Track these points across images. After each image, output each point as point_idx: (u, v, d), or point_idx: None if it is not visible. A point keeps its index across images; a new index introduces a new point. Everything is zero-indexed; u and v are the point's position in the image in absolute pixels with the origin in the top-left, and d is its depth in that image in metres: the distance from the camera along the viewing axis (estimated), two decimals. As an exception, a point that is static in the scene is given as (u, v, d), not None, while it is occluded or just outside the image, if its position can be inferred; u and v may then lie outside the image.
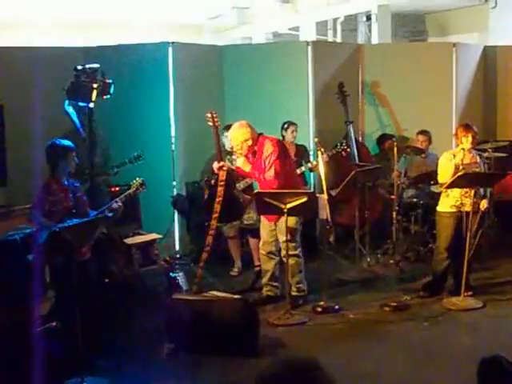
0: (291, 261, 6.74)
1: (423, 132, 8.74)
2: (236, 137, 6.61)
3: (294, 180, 6.96)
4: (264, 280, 7.00)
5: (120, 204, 5.76)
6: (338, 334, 6.21)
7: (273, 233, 6.86)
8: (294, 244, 6.75)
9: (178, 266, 7.76)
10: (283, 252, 6.73)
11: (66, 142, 5.70)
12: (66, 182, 5.62)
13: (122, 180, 7.39)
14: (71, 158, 5.63)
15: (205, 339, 5.70)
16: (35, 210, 5.54)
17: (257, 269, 7.48)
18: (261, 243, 6.99)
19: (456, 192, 6.76)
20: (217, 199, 6.84)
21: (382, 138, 9.17)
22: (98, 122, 6.43)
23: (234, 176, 7.20)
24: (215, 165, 6.91)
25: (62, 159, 5.58)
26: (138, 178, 5.99)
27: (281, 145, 6.78)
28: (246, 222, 7.66)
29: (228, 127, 7.26)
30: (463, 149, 6.73)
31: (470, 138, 6.71)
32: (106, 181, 7.43)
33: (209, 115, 6.87)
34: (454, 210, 6.80)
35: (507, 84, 9.97)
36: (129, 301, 6.35)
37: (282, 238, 6.64)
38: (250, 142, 6.57)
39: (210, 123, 6.86)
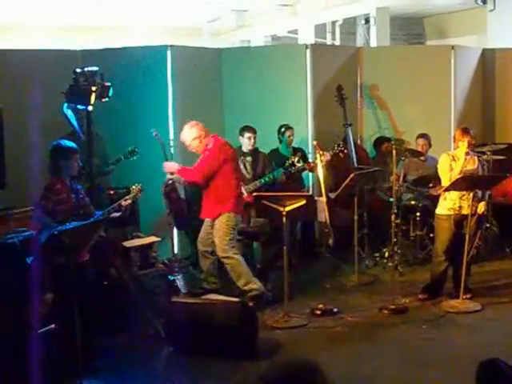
0: (226, 264, 6.89)
1: (423, 135, 8.71)
2: (185, 136, 6.99)
3: (229, 194, 6.92)
4: (202, 275, 7.24)
5: (129, 202, 5.85)
6: (337, 337, 6.21)
7: (209, 230, 6.99)
8: (223, 246, 6.84)
9: (176, 269, 7.77)
10: (218, 253, 6.90)
11: (70, 144, 5.74)
12: (68, 183, 5.65)
13: (121, 183, 7.42)
14: (75, 159, 5.67)
15: (203, 342, 5.70)
16: (38, 209, 5.56)
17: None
18: (198, 239, 7.18)
19: (454, 195, 6.78)
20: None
21: (379, 141, 9.17)
22: (96, 125, 6.43)
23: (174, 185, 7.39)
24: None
25: (65, 160, 5.61)
26: (136, 184, 6.10)
27: (223, 150, 6.91)
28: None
29: (245, 128, 7.85)
30: (466, 153, 6.76)
31: (465, 143, 6.75)
32: (105, 182, 7.46)
33: (154, 133, 7.35)
34: (452, 212, 6.81)
35: (506, 86, 9.97)
36: (127, 304, 6.34)
37: (216, 238, 6.86)
38: (197, 141, 6.91)
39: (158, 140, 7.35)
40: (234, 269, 6.85)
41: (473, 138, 6.84)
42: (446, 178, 6.82)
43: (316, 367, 2.20)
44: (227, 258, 6.84)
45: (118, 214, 5.85)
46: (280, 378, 2.16)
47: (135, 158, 7.28)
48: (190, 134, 6.94)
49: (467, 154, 6.80)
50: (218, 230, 6.86)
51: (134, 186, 6.11)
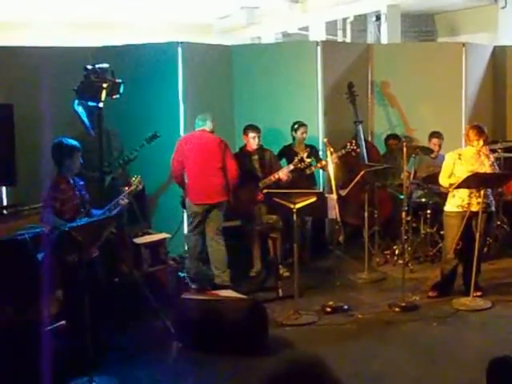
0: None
1: (438, 135, 8.65)
2: None
3: (202, 181, 7.26)
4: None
5: (126, 200, 5.85)
6: (347, 335, 6.21)
7: None
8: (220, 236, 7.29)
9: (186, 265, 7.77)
10: (208, 242, 7.30)
11: (72, 142, 5.74)
12: (71, 181, 5.66)
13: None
14: (77, 157, 5.68)
15: (213, 338, 5.71)
16: (46, 209, 5.57)
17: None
18: None
19: (462, 192, 6.75)
20: None
21: (387, 138, 9.17)
22: (108, 122, 6.46)
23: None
24: None
25: (68, 158, 5.62)
26: (135, 176, 6.11)
27: (180, 143, 7.37)
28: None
29: (248, 128, 7.86)
30: (482, 153, 6.72)
31: (481, 142, 6.71)
32: (123, 176, 7.52)
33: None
34: (461, 210, 6.78)
35: (517, 84, 9.94)
36: (138, 300, 6.35)
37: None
38: None
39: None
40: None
41: (487, 137, 6.81)
42: (444, 175, 6.80)
43: (321, 363, 2.19)
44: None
45: (116, 211, 5.86)
46: (286, 375, 2.16)
47: (156, 140, 7.45)
48: None
49: (487, 154, 6.75)
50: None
51: (133, 178, 6.11)
